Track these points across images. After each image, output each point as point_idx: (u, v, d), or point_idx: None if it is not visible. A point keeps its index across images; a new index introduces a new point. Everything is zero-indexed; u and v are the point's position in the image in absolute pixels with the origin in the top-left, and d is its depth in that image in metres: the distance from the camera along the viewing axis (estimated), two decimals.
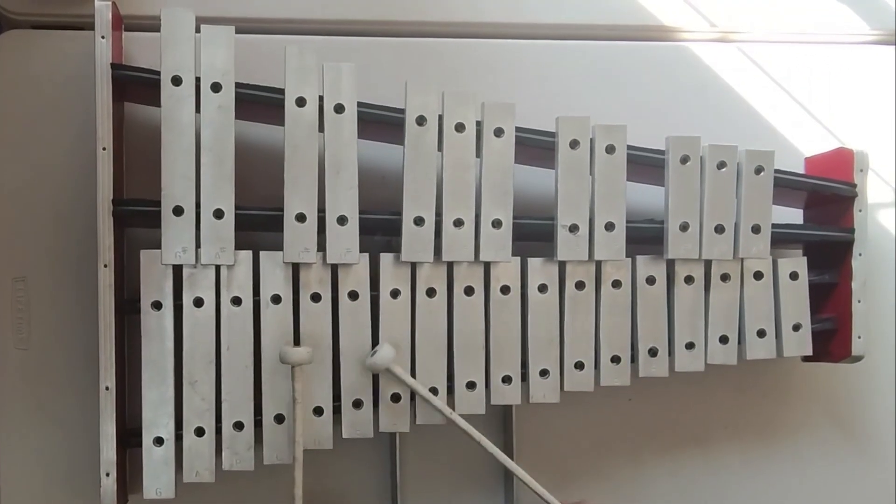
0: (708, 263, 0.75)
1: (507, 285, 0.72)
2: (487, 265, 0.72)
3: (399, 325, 0.71)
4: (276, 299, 0.69)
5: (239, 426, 0.69)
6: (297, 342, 0.69)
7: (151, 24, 0.71)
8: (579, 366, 0.73)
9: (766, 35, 0.87)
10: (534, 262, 0.73)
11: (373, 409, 0.71)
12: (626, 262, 0.74)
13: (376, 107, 0.70)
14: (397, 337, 0.71)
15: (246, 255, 0.69)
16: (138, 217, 0.69)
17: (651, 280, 0.74)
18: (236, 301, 0.69)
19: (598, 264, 0.73)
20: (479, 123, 0.71)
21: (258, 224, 0.70)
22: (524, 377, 0.73)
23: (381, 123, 0.71)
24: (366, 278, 0.70)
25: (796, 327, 0.76)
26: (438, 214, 0.71)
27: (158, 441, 0.68)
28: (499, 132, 0.71)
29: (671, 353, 0.75)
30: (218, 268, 0.69)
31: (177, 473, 0.69)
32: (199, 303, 0.68)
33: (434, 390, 0.71)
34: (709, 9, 0.85)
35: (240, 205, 0.68)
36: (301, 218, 0.68)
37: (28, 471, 0.76)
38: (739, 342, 0.76)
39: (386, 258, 0.71)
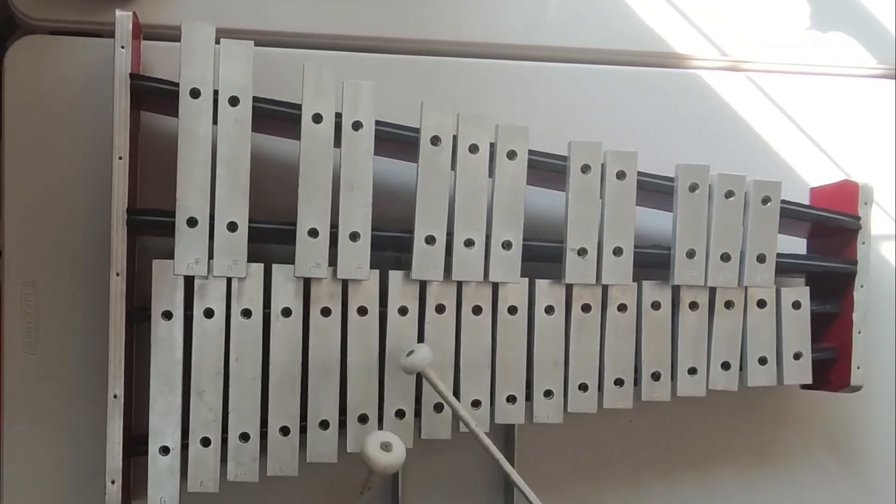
0: (712, 290, 0.76)
1: (514, 306, 0.73)
2: (496, 285, 0.73)
3: (407, 343, 0.71)
4: (287, 312, 0.70)
5: (245, 437, 0.69)
6: (305, 356, 0.70)
7: (170, 34, 0.72)
8: (583, 387, 0.74)
9: (776, 65, 0.88)
10: (541, 284, 0.74)
11: (378, 425, 0.71)
12: (632, 286, 0.75)
13: (392, 125, 0.71)
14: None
15: (257, 267, 0.69)
16: (152, 227, 0.70)
17: (656, 305, 0.75)
18: (246, 313, 0.69)
19: (605, 288, 0.74)
20: (492, 145, 0.72)
21: (271, 237, 0.70)
22: (528, 397, 0.74)
23: (395, 141, 0.71)
24: (375, 294, 0.71)
25: (797, 356, 0.77)
26: (449, 234, 0.71)
27: (164, 450, 0.69)
28: (512, 155, 0.72)
29: (674, 377, 0.76)
30: (229, 279, 0.69)
31: (181, 482, 0.69)
32: (209, 314, 0.69)
33: (439, 407, 0.72)
34: (720, 37, 0.86)
35: (253, 217, 0.69)
36: (313, 233, 0.69)
37: (32, 476, 0.75)
38: (741, 369, 0.77)
39: (395, 275, 0.71)
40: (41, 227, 0.76)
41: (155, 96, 0.70)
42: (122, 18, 0.68)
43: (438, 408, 0.72)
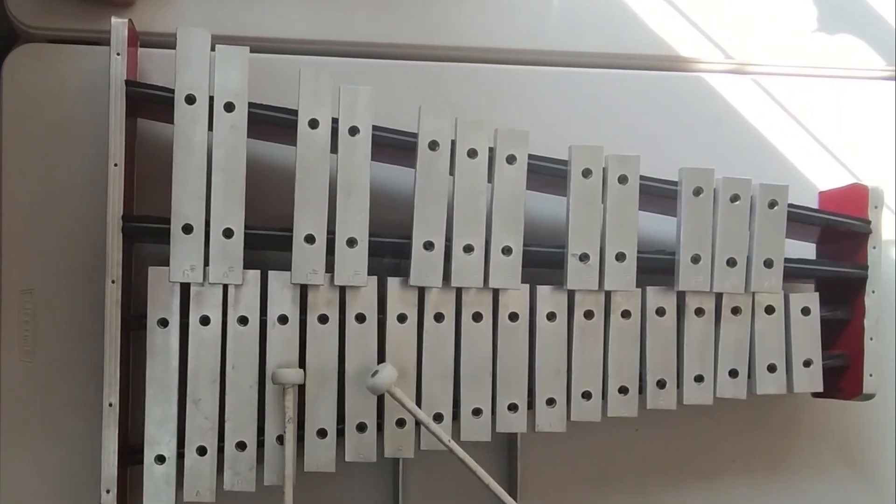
0: (719, 296, 0.74)
1: (515, 312, 0.72)
2: (496, 291, 0.72)
3: (405, 350, 0.70)
4: (283, 320, 0.69)
5: (241, 446, 0.69)
6: (302, 363, 0.69)
7: (166, 41, 0.72)
8: (586, 395, 0.73)
9: (782, 68, 0.87)
10: (543, 290, 0.72)
11: (377, 433, 0.70)
12: (636, 292, 0.73)
13: (389, 130, 0.70)
14: (403, 361, 0.70)
15: (254, 274, 0.69)
16: (147, 233, 0.69)
17: (661, 311, 0.74)
18: (243, 320, 0.69)
19: (608, 294, 0.73)
20: (491, 150, 0.71)
21: (267, 244, 0.69)
22: (531, 405, 0.72)
23: (393, 147, 0.70)
24: (373, 301, 0.70)
25: (807, 363, 0.76)
26: (448, 240, 0.70)
27: (160, 459, 0.68)
28: (511, 159, 0.71)
29: (680, 385, 0.74)
30: (225, 286, 0.68)
31: (177, 492, 0.68)
32: (205, 321, 0.68)
33: (439, 416, 0.71)
34: (725, 40, 0.85)
35: (249, 224, 0.68)
36: (310, 239, 0.68)
37: (29, 484, 0.75)
38: (749, 376, 0.75)
39: (394, 282, 0.70)
40: (38, 235, 0.75)
41: (151, 103, 0.69)
42: (118, 26, 0.68)
43: (440, 418, 0.71)
